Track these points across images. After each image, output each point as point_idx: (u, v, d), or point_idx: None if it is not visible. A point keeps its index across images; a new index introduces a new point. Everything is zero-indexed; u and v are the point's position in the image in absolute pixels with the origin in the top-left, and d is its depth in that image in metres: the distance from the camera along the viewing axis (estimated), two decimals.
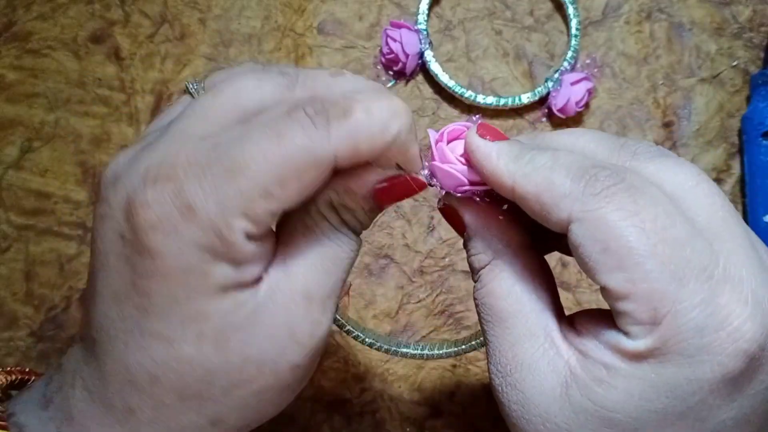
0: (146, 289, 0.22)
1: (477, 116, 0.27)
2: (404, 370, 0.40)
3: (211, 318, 0.22)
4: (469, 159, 0.25)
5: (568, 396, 0.23)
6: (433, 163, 0.26)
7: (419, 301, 0.41)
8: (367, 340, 0.34)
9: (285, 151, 0.22)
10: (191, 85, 0.25)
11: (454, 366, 0.40)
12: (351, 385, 0.40)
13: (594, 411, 0.22)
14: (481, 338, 0.32)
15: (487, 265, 0.26)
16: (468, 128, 0.26)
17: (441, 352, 0.34)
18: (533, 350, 0.24)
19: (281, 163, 0.22)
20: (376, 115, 0.23)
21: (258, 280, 0.23)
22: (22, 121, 0.43)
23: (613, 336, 0.22)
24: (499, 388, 0.25)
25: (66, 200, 0.42)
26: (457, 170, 0.26)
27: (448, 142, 0.26)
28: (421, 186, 0.26)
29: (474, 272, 0.27)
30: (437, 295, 0.41)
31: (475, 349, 0.34)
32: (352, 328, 0.34)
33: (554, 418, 0.23)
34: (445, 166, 0.26)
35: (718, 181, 0.43)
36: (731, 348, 0.20)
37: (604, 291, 0.22)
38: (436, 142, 0.26)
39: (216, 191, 0.21)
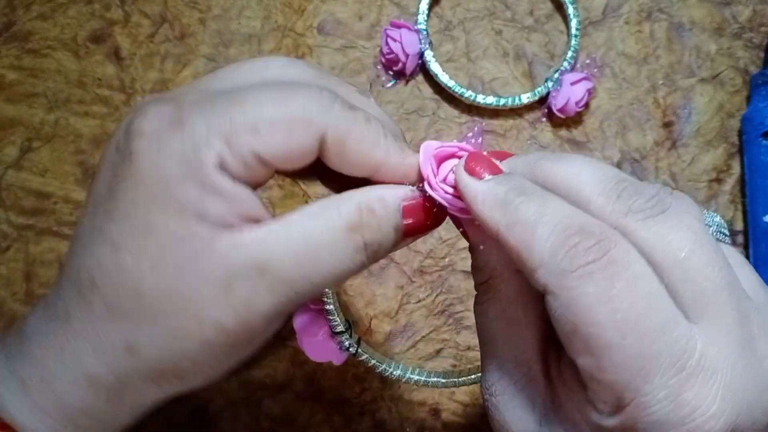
0: (117, 193, 0.23)
1: (476, 128, 0.26)
2: None
3: (160, 236, 0.22)
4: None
5: None
6: (426, 188, 0.25)
7: (419, 301, 0.41)
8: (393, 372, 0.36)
9: (285, 105, 0.23)
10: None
11: (454, 366, 0.40)
12: (351, 385, 0.40)
13: None
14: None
15: (484, 282, 0.26)
16: (459, 149, 0.25)
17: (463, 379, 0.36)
18: (516, 379, 0.25)
19: (276, 111, 0.23)
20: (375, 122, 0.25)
21: (225, 226, 0.22)
22: (22, 121, 0.43)
23: (584, 402, 0.22)
24: (486, 404, 0.26)
25: (66, 200, 0.42)
26: (447, 199, 0.25)
27: (440, 161, 0.25)
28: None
29: (474, 284, 0.27)
30: (437, 295, 0.41)
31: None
32: (377, 362, 0.36)
33: None
34: (436, 195, 0.25)
35: (718, 181, 0.43)
36: None
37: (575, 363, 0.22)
38: (427, 162, 0.25)
39: (209, 115, 0.22)
